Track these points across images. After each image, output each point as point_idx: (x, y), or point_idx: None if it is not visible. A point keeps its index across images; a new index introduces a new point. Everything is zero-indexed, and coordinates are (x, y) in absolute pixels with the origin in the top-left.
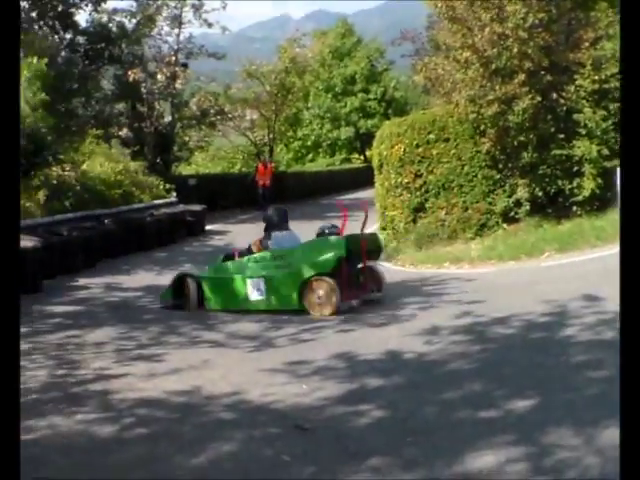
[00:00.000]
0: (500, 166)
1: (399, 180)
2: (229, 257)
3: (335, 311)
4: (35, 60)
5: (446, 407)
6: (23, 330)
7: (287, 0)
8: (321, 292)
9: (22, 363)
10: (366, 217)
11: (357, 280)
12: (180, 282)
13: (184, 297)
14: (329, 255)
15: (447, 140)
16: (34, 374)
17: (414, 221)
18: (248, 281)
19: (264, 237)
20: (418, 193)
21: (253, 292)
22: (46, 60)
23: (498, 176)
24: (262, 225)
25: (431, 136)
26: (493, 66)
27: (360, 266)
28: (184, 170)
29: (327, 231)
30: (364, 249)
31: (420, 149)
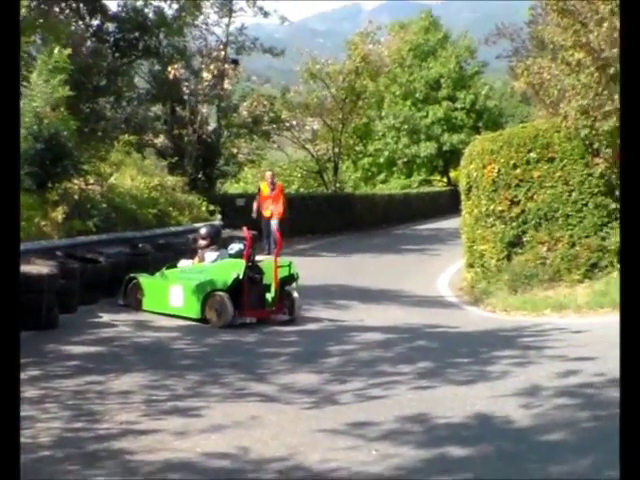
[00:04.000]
0: (617, 193)
1: (491, 207)
2: (172, 265)
3: (226, 324)
4: (56, 50)
5: None
6: (35, 373)
7: None
8: (217, 306)
9: (33, 413)
10: (279, 244)
11: (261, 301)
12: (128, 283)
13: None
14: (229, 275)
15: (552, 160)
16: (46, 426)
17: (508, 258)
18: (171, 288)
19: (202, 251)
20: (514, 224)
21: (173, 298)
22: (69, 50)
23: (614, 205)
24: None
25: (532, 155)
26: (612, 70)
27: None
28: (231, 188)
29: (233, 252)
30: (276, 274)
31: (518, 170)
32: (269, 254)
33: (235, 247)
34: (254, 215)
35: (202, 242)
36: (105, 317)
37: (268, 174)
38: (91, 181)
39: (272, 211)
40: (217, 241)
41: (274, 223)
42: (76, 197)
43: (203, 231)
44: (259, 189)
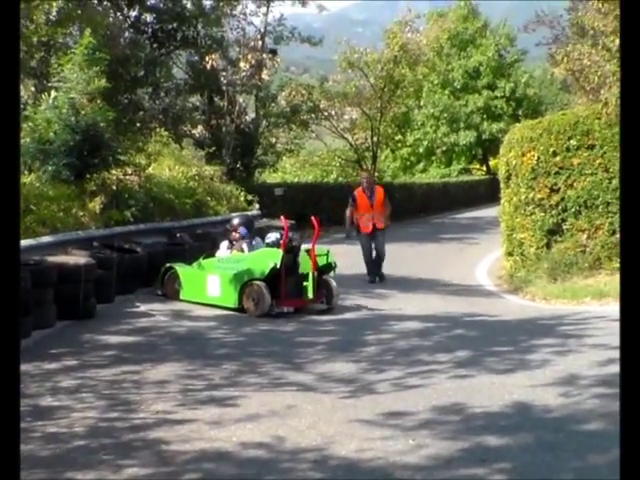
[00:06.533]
0: None
1: (531, 196)
2: (209, 255)
3: (263, 313)
4: (93, 40)
5: (586, 475)
6: (71, 363)
7: None
8: (255, 295)
9: (68, 402)
10: (316, 234)
11: (299, 290)
12: (165, 273)
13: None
14: (266, 264)
15: (592, 147)
16: (82, 415)
17: (548, 246)
18: (208, 277)
19: (240, 243)
20: (554, 212)
21: (210, 288)
22: (107, 41)
23: None
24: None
25: (572, 142)
26: None
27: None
28: (269, 178)
29: (270, 242)
30: (314, 263)
31: (558, 158)
32: (374, 280)
33: (272, 236)
34: (347, 234)
35: (235, 234)
36: (142, 307)
37: (364, 176)
38: (129, 171)
39: (376, 224)
40: (251, 231)
41: (380, 240)
42: (114, 187)
43: (235, 222)
44: (353, 198)
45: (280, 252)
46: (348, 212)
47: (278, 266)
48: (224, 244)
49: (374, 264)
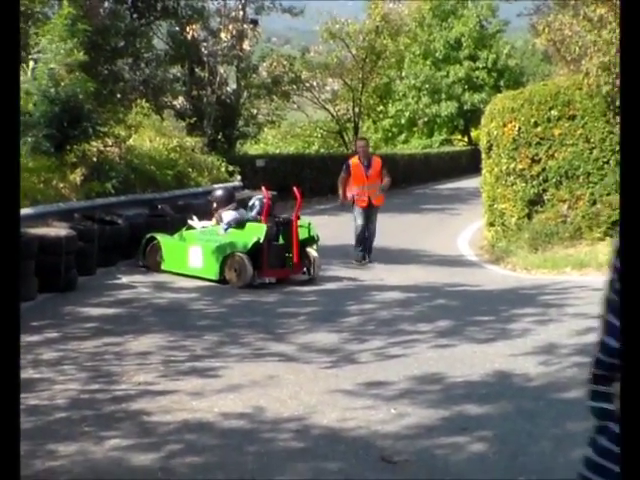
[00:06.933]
0: None
1: (512, 166)
2: (191, 227)
3: (245, 284)
4: (73, 11)
5: (565, 443)
6: (53, 335)
7: None
8: (237, 266)
9: (49, 375)
10: (298, 204)
11: (281, 261)
12: (146, 244)
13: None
14: (249, 238)
15: (573, 118)
16: (63, 388)
17: (529, 216)
18: (190, 249)
19: (218, 213)
20: (535, 182)
21: (192, 259)
22: (86, 11)
23: None
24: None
25: (553, 112)
26: None
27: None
28: (250, 149)
29: (253, 213)
30: (295, 235)
31: (539, 128)
32: (364, 261)
33: (256, 202)
34: (341, 202)
35: (214, 205)
36: (123, 279)
37: (360, 144)
38: (109, 143)
39: (371, 198)
40: (232, 202)
41: (373, 219)
42: (94, 159)
43: (215, 194)
44: (347, 166)
45: (264, 227)
46: (340, 180)
47: (261, 241)
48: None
49: (365, 244)
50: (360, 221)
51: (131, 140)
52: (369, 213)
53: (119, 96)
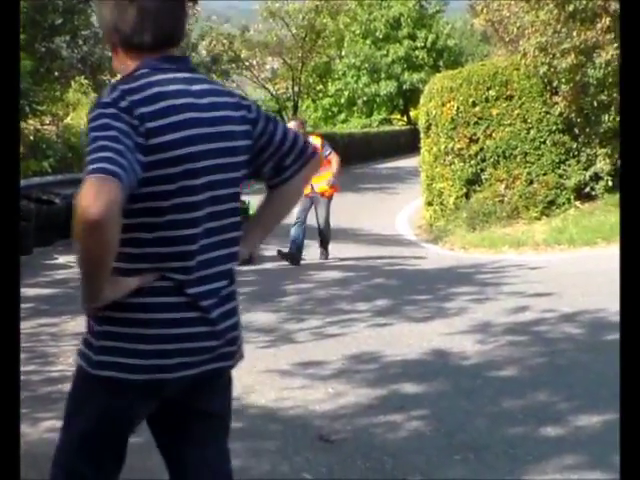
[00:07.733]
0: (575, 131)
1: (450, 145)
2: None
3: None
4: None
5: (502, 420)
6: None
7: None
8: None
9: None
10: None
11: None
12: None
13: None
14: None
15: (510, 98)
16: None
17: (467, 196)
18: None
19: None
20: (473, 162)
21: None
22: None
23: (572, 144)
24: None
25: (491, 92)
26: (571, 7)
27: None
28: None
29: None
30: None
31: (477, 108)
32: (292, 259)
33: None
34: None
35: None
36: (60, 259)
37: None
38: (47, 121)
39: (313, 186)
40: None
41: (321, 212)
42: (31, 138)
43: None
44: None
45: None
46: None
47: None
48: None
49: (298, 243)
50: (300, 214)
51: (69, 118)
52: (314, 203)
53: (57, 74)
